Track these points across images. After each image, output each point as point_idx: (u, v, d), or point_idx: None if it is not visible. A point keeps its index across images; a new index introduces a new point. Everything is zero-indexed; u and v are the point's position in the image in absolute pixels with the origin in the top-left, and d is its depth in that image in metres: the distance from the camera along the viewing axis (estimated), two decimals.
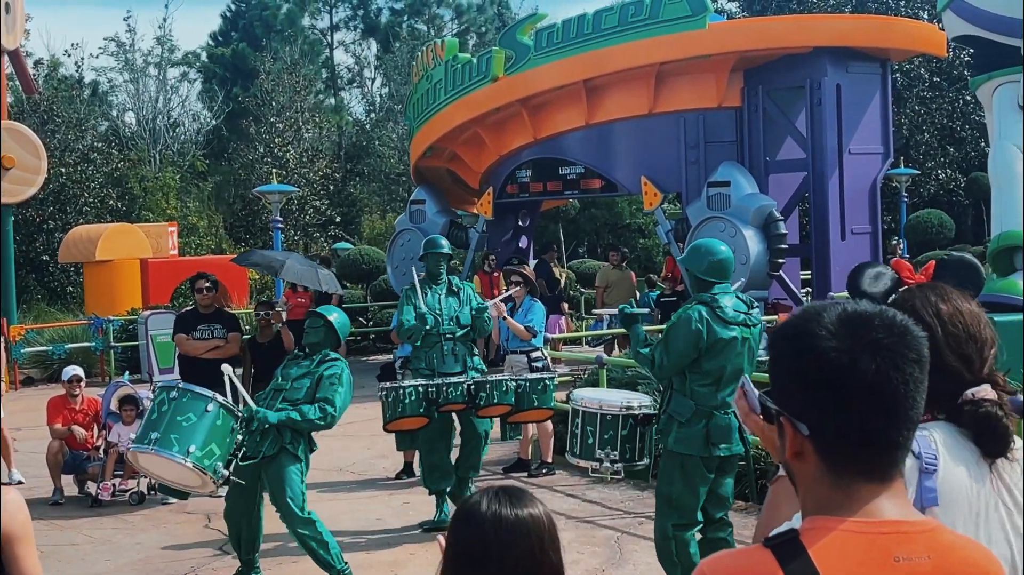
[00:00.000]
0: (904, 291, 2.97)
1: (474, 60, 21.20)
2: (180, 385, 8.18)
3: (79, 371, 12.28)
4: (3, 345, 21.05)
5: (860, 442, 2.07)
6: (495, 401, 9.62)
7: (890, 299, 2.92)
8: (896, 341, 2.07)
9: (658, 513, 7.47)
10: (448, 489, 10.25)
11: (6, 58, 22.75)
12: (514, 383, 9.71)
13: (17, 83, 28.62)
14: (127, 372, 12.96)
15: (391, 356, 16.16)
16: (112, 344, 22.17)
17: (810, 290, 19.66)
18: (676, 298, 20.07)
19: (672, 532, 7.35)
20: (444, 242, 10.80)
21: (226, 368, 8.44)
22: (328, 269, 22.86)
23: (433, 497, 10.36)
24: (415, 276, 10.70)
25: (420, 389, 9.55)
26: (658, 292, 20.98)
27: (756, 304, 7.91)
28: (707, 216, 18.51)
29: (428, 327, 10.23)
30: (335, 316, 8.75)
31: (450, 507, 10.10)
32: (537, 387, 9.71)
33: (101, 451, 11.86)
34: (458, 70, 21.25)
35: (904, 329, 2.09)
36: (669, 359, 7.34)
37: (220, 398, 8.04)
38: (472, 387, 9.67)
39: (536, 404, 9.74)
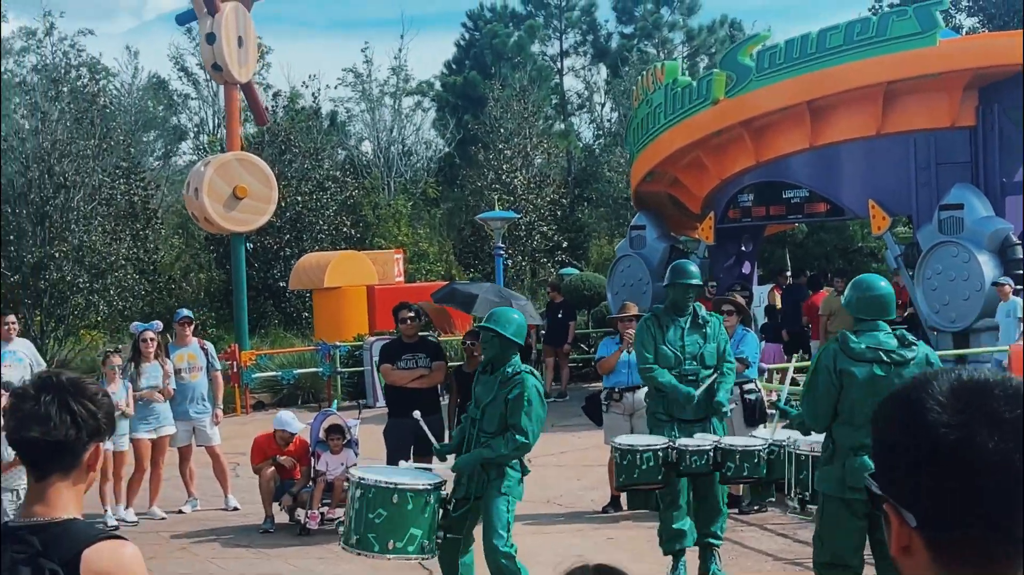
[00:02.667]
0: None
1: (694, 83, 20.85)
2: (362, 480, 7.98)
3: (293, 423, 12.30)
4: (232, 370, 21.73)
5: (976, 535, 1.73)
6: (744, 474, 8.73)
7: None
8: (1020, 415, 1.74)
9: (813, 549, 7.51)
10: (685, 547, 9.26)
11: (240, 90, 23.50)
12: (766, 451, 8.67)
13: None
14: (335, 402, 13.08)
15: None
16: (339, 370, 22.58)
17: None
18: (906, 325, 19.25)
19: (820, 571, 7.26)
20: (694, 270, 9.63)
21: (416, 415, 8.48)
22: (557, 294, 22.84)
23: (638, 534, 10.06)
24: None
25: (660, 453, 8.74)
26: None
27: (916, 341, 7.47)
28: (939, 240, 17.75)
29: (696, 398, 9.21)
30: (507, 325, 8.22)
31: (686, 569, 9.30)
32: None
33: (310, 480, 11.98)
34: (678, 93, 20.93)
35: None
36: (814, 404, 7.26)
37: (405, 481, 7.91)
38: (718, 455, 8.71)
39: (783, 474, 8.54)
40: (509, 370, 8.14)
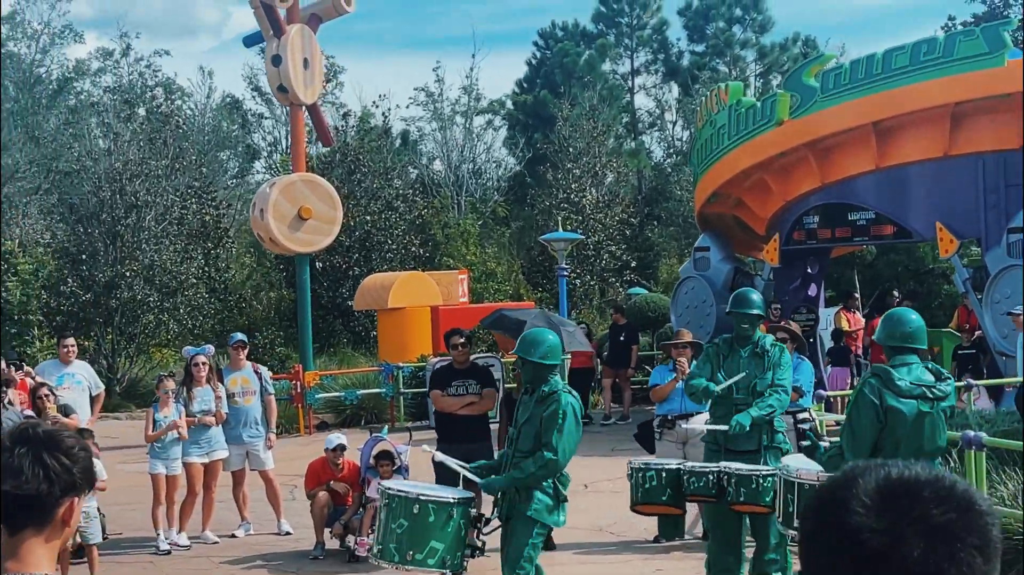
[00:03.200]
0: None
1: (758, 104, 20.65)
2: (388, 490, 8.05)
3: (343, 440, 12.40)
4: (297, 390, 21.83)
5: None
6: (741, 499, 8.40)
7: None
8: (953, 520, 1.61)
9: None
10: None
11: (305, 111, 23.66)
12: (767, 480, 8.39)
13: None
14: (386, 427, 13.04)
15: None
16: (402, 391, 22.61)
17: None
18: (975, 350, 18.92)
19: None
20: (755, 298, 9.45)
21: (437, 455, 8.72)
22: (620, 316, 22.69)
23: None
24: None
25: (667, 473, 8.65)
26: (956, 344, 19.80)
27: (948, 375, 7.34)
28: (1007, 264, 17.42)
29: (717, 393, 9.10)
30: (535, 349, 8.12)
31: None
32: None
33: (361, 506, 11.95)
34: (742, 114, 20.73)
35: (966, 503, 1.63)
36: (858, 441, 7.08)
37: (428, 492, 7.92)
38: (724, 477, 8.52)
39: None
40: (546, 389, 8.11)
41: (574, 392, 8.31)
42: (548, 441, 7.92)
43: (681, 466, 8.76)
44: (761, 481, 8.33)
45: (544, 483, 8.04)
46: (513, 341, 19.17)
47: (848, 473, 1.71)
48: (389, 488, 8.06)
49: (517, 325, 14.48)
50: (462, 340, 11.71)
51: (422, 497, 7.83)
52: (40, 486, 2.97)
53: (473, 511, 8.08)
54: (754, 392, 9.06)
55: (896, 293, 20.30)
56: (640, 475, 8.72)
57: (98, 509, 11.33)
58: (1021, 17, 40.15)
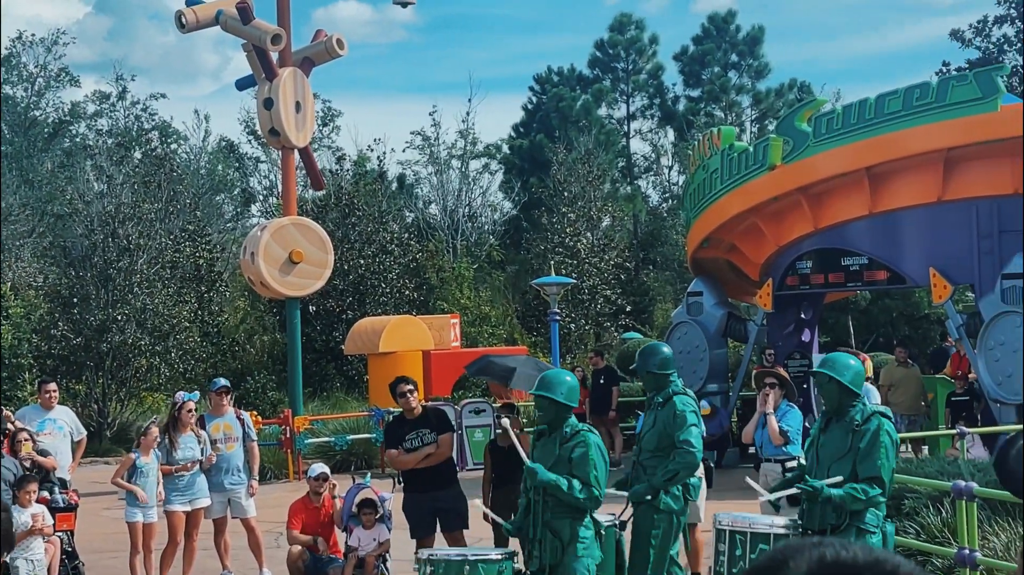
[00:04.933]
0: None
1: (751, 148, 20.58)
2: (431, 556, 8.10)
3: (326, 470, 12.25)
4: (286, 436, 21.62)
5: None
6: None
7: None
8: None
9: None
10: None
11: (296, 155, 23.57)
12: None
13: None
14: (369, 475, 12.85)
15: None
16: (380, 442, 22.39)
17: None
18: (968, 397, 18.75)
19: None
20: (652, 358, 9.30)
21: (477, 503, 8.97)
22: (599, 359, 22.54)
23: None
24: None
25: None
26: (950, 391, 19.62)
27: None
28: (1001, 310, 17.27)
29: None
30: (558, 388, 8.12)
31: None
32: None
33: (342, 554, 11.76)
34: (735, 159, 20.65)
35: None
36: (891, 474, 7.71)
37: (474, 554, 7.98)
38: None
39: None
40: (567, 430, 8.09)
41: (593, 430, 8.27)
42: (585, 476, 7.89)
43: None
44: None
45: (586, 519, 8.01)
46: (504, 387, 19.07)
47: (779, 556, 1.55)
48: (434, 554, 8.08)
49: (505, 371, 14.24)
50: (410, 387, 11.36)
51: (471, 557, 7.86)
52: None
53: (517, 565, 8.06)
54: (643, 446, 9.16)
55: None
56: None
57: (71, 555, 11.11)
58: (1015, 63, 40.26)
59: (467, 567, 7.76)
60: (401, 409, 11.66)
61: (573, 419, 8.17)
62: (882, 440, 7.61)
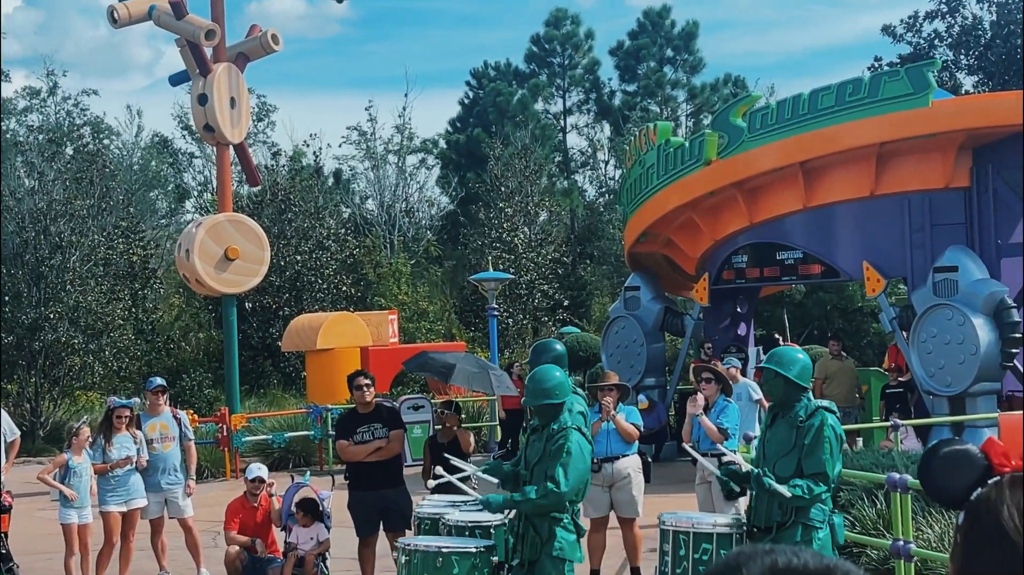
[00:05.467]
0: (990, 487, 2.10)
1: (687, 143, 20.70)
2: (406, 546, 8.04)
3: (263, 472, 12.16)
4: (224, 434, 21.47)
5: None
6: None
7: (973, 497, 2.11)
8: None
9: None
10: None
11: (232, 150, 23.40)
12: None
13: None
14: (308, 473, 12.79)
15: None
16: (330, 433, 22.26)
17: None
18: (903, 390, 18.97)
19: None
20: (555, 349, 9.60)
21: (438, 470, 8.87)
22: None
23: None
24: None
25: None
26: (884, 383, 19.83)
27: None
28: (933, 303, 17.47)
29: None
30: (548, 387, 8.08)
31: None
32: None
33: (281, 553, 11.69)
34: (671, 154, 20.76)
35: None
36: (836, 469, 7.64)
37: (451, 544, 7.90)
38: None
39: None
40: (555, 427, 8.03)
41: (582, 428, 8.19)
42: (553, 474, 7.80)
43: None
44: (479, 533, 8.53)
45: (564, 520, 7.91)
46: (442, 383, 19.04)
47: (731, 562, 1.56)
48: (408, 544, 7.97)
49: (445, 367, 14.21)
50: (367, 382, 11.36)
51: (444, 549, 7.77)
52: None
53: (494, 559, 8.01)
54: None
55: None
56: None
57: (5, 557, 10.97)
58: (946, 58, 40.77)
59: (440, 559, 7.72)
60: (353, 405, 11.66)
61: (564, 417, 8.07)
62: (826, 435, 7.55)
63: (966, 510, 2.01)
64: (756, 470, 7.78)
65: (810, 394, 7.88)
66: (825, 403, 7.86)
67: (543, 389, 8.05)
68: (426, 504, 9.30)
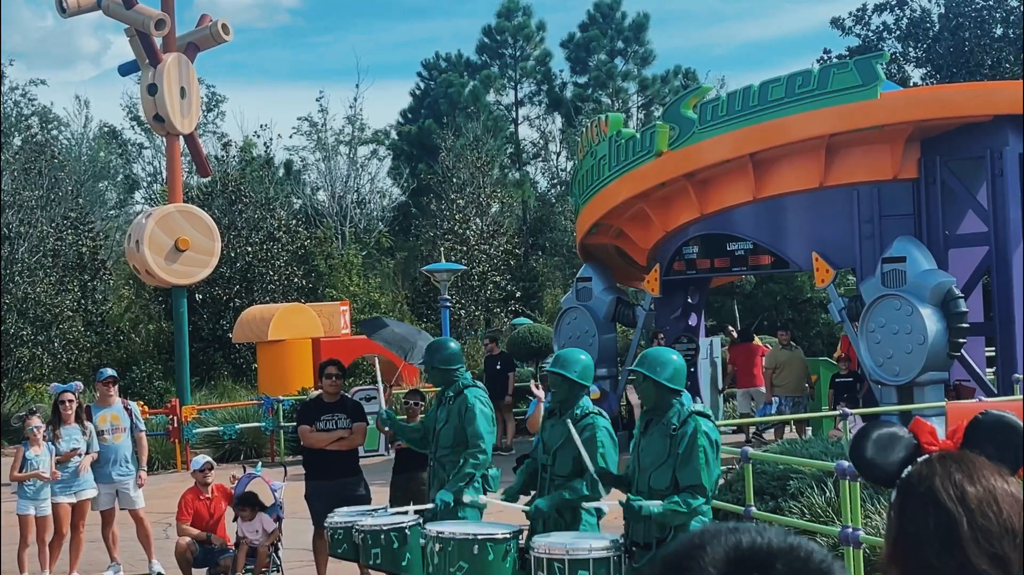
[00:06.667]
0: (922, 463, 2.22)
1: (638, 135, 20.77)
2: (440, 534, 7.89)
3: (210, 460, 12.15)
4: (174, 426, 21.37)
5: None
6: (378, 563, 8.66)
7: (904, 474, 2.22)
8: None
9: None
10: None
11: (182, 141, 23.27)
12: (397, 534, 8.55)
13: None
14: (260, 464, 12.76)
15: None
16: (282, 424, 22.22)
17: (995, 370, 18.50)
18: (852, 379, 19.16)
19: None
20: (448, 348, 9.52)
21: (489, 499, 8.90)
22: (494, 346, 22.68)
23: None
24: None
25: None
26: (833, 372, 20.03)
27: None
28: (882, 294, 17.64)
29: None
30: (573, 366, 8.04)
31: None
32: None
33: (232, 544, 11.67)
34: (622, 145, 20.83)
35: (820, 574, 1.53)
36: (714, 478, 7.32)
37: (485, 531, 7.86)
38: (356, 534, 8.69)
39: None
40: (578, 412, 7.98)
41: (603, 413, 8.19)
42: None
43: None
44: (394, 537, 8.43)
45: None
46: (392, 352, 19.02)
47: (696, 540, 1.59)
48: (442, 532, 7.88)
49: (402, 341, 14.26)
50: (337, 371, 11.43)
51: (481, 536, 7.74)
52: None
53: (521, 543, 7.98)
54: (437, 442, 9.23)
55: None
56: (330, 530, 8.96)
57: None
58: (894, 51, 41.14)
59: (476, 546, 7.68)
60: (304, 396, 11.66)
61: (585, 401, 8.03)
62: (700, 443, 7.12)
63: (898, 487, 2.10)
64: (626, 497, 7.35)
65: (685, 397, 7.42)
66: (699, 407, 7.49)
67: (573, 366, 8.04)
68: (338, 513, 9.16)
